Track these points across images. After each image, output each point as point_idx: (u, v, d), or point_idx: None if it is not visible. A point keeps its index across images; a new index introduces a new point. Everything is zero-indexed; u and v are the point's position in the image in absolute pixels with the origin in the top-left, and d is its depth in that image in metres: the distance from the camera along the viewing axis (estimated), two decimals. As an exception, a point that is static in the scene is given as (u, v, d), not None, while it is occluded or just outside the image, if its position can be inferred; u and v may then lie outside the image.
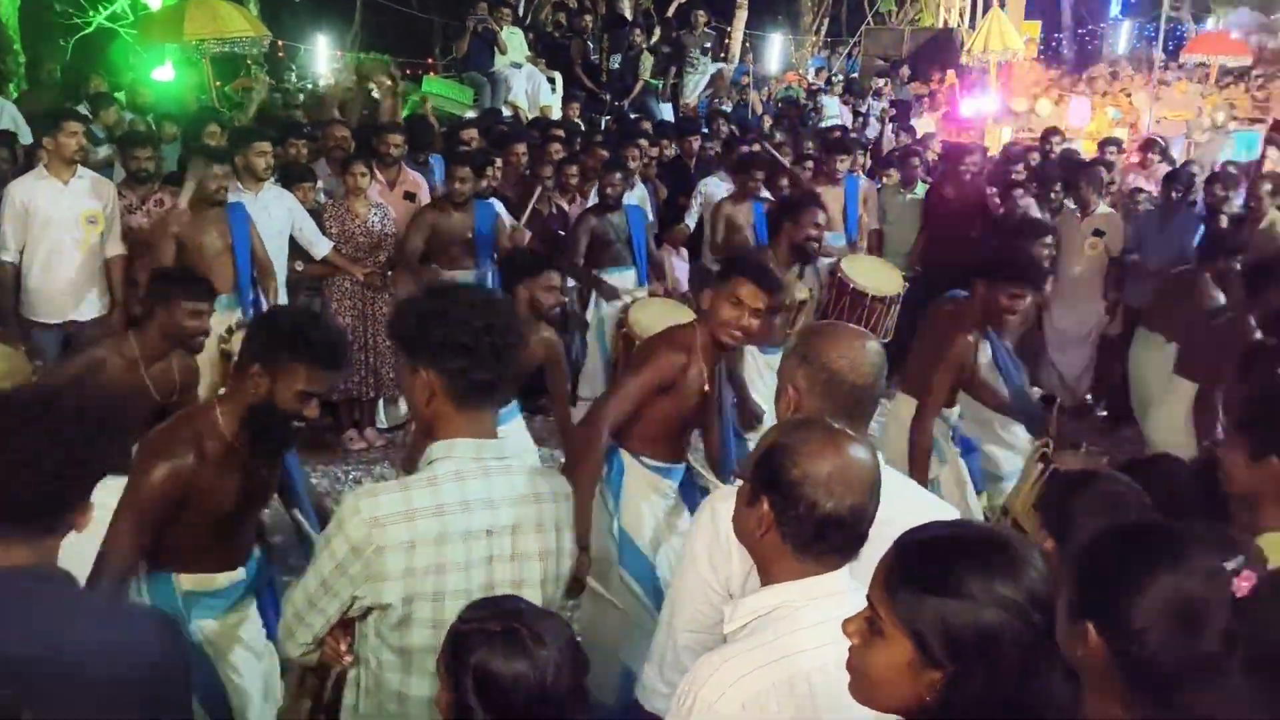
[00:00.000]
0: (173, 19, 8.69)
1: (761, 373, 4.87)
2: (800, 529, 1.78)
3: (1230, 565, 1.96)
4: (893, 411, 4.61)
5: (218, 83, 10.23)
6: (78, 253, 5.57)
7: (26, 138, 7.57)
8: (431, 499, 1.98)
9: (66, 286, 5.58)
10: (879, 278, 6.26)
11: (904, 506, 1.75)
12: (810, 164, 8.00)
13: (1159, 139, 9.84)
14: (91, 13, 13.93)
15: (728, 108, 12.43)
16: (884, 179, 8.56)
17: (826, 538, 1.78)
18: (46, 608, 1.68)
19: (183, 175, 5.54)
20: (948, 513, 2.37)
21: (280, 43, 15.32)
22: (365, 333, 6.16)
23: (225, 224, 5.36)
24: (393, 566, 1.95)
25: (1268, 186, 6.78)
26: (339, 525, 1.97)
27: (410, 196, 6.71)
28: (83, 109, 8.39)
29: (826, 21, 24.57)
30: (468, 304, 2.04)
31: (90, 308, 5.64)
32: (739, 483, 1.92)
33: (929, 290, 7.47)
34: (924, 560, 1.49)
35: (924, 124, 12.24)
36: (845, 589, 1.80)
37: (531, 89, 11.12)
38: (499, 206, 6.31)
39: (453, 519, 1.99)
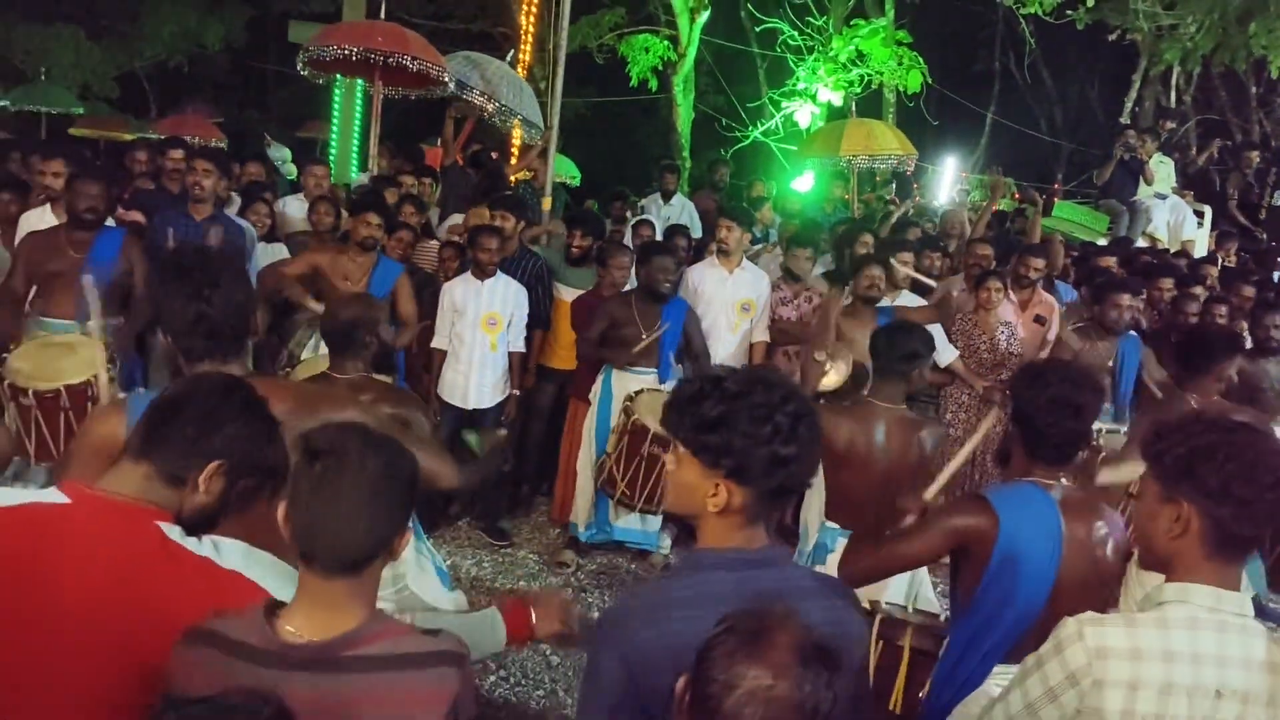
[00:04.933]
0: (831, 136, 9.51)
1: None
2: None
3: None
4: None
5: (846, 195, 10.96)
6: (730, 335, 6.24)
7: (697, 231, 8.71)
8: (1159, 642, 1.86)
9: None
10: None
11: None
12: None
13: None
14: (750, 128, 16.05)
15: None
16: None
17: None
18: None
19: (839, 277, 5.98)
20: None
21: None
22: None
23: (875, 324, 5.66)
24: (1111, 705, 1.85)
25: None
26: (1057, 648, 1.91)
27: (1040, 320, 6.58)
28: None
29: None
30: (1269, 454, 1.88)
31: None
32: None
33: None
34: None
35: None
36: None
37: (1174, 221, 10.36)
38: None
39: (1179, 669, 1.85)
